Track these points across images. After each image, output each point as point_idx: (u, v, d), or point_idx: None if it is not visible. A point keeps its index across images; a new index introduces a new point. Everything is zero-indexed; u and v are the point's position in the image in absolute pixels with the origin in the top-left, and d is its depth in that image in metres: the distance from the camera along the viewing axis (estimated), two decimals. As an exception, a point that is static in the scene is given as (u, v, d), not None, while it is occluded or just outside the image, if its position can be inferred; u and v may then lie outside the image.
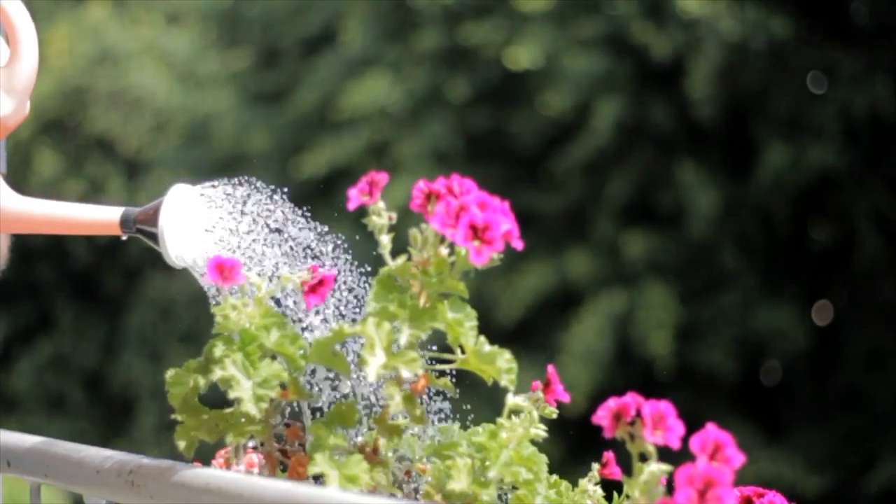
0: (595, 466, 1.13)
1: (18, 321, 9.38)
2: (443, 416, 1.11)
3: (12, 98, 1.19)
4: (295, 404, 1.09)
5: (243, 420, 1.04)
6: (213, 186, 1.17)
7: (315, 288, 1.11)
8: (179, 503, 1.01)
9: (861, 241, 7.05)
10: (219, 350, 1.03)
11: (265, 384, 1.03)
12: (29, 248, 9.30)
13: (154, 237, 1.16)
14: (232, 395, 1.02)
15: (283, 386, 1.05)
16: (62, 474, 1.14)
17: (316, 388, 1.08)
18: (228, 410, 1.05)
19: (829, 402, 7.23)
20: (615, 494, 1.12)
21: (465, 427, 1.10)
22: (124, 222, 1.17)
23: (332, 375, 1.09)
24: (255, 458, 1.10)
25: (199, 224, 1.15)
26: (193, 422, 1.05)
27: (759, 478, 6.00)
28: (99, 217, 1.20)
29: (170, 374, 1.06)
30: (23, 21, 1.21)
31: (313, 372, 1.09)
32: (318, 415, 1.09)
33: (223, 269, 1.06)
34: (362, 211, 1.09)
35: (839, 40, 7.20)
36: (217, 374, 1.02)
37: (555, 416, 1.09)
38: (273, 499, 0.93)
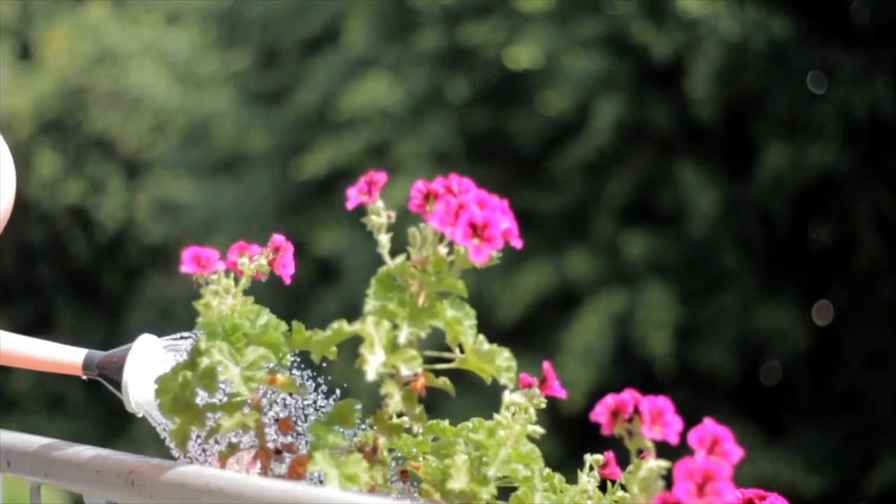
0: (588, 458, 1.13)
1: (18, 321, 9.37)
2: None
3: None
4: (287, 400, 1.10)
5: (234, 404, 1.05)
6: (183, 338, 1.18)
7: (280, 260, 1.12)
8: (179, 503, 1.01)
9: (861, 241, 7.05)
10: (204, 343, 1.04)
11: (253, 366, 1.04)
12: (29, 247, 9.29)
13: (115, 384, 1.18)
14: (221, 377, 1.03)
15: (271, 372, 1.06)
16: (62, 474, 1.14)
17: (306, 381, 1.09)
18: (219, 400, 1.06)
19: (829, 402, 7.23)
20: (609, 484, 1.12)
21: (454, 424, 1.10)
22: (87, 366, 1.18)
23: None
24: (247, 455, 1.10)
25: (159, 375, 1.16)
26: (186, 417, 1.06)
27: (758, 478, 6.00)
28: (61, 358, 1.21)
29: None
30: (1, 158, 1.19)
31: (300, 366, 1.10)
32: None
33: (199, 259, 1.06)
34: (361, 210, 1.09)
35: (839, 40, 7.20)
36: (205, 362, 1.03)
37: (543, 405, 1.09)
38: (273, 499, 0.93)
